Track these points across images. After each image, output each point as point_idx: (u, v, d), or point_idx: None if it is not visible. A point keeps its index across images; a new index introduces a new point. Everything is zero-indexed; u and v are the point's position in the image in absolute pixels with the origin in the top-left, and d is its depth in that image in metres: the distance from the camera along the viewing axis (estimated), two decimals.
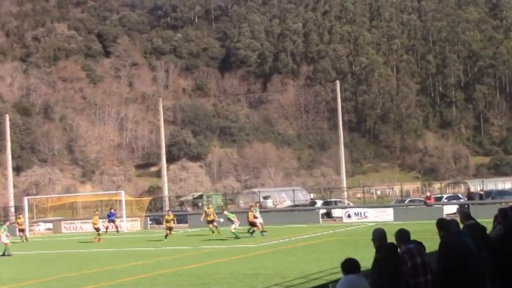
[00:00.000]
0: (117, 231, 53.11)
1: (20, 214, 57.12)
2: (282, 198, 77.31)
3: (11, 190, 74.50)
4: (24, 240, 48.85)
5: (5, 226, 46.13)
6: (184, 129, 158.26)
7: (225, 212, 41.80)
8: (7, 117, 78.41)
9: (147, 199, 69.82)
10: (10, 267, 30.11)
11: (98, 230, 44.62)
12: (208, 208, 44.16)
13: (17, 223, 51.32)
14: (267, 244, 34.05)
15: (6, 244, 39.51)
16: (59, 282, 23.01)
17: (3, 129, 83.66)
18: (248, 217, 38.96)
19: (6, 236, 42.63)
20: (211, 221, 41.75)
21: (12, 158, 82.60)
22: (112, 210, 55.16)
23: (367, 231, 14.47)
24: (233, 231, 38.20)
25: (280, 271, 22.00)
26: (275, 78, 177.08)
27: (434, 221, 10.48)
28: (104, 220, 55.98)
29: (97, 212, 50.86)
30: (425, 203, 51.31)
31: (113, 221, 53.62)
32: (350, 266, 8.71)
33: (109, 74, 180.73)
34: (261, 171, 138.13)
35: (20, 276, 25.75)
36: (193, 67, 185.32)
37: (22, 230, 50.76)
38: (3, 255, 35.05)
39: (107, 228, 53.89)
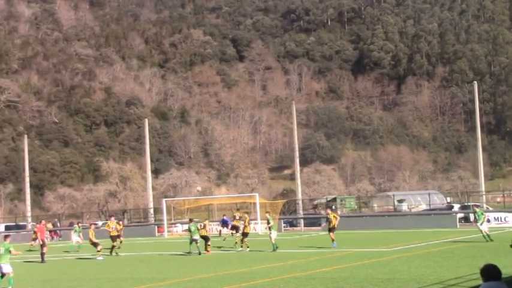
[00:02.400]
0: (232, 234, 54.25)
1: (111, 217, 47.96)
2: (417, 201, 75.94)
3: (150, 192, 76.81)
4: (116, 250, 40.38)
5: (77, 227, 47.77)
6: (317, 132, 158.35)
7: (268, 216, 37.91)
8: (146, 121, 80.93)
9: (280, 202, 70.09)
10: (150, 267, 31.07)
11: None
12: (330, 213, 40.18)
13: (108, 227, 41.29)
14: (402, 248, 33.48)
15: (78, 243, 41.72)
16: (195, 283, 23.48)
17: (142, 133, 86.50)
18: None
19: (78, 236, 45.05)
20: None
21: (151, 161, 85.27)
22: (225, 217, 56.54)
23: (508, 237, 13.95)
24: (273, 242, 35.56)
25: (416, 276, 21.53)
26: (409, 80, 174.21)
27: None
28: (218, 224, 57.86)
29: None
30: None
31: (226, 226, 55.44)
32: (490, 272, 8.38)
33: (243, 78, 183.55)
34: (395, 174, 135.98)
35: (159, 276, 26.51)
36: (326, 70, 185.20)
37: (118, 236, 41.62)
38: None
39: (220, 232, 55.53)
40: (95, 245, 38.27)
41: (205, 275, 25.90)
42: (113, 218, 42.27)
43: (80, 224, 51.67)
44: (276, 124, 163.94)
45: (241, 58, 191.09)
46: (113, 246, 39.09)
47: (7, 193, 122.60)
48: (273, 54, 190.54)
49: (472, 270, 19.52)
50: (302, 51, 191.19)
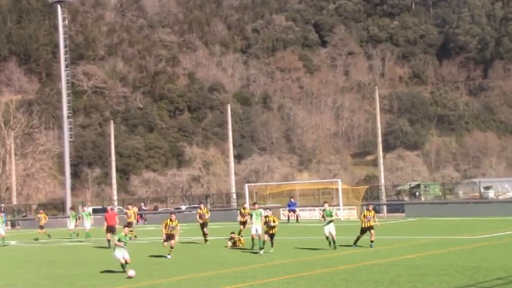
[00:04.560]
0: (297, 220, 54.00)
1: (201, 203, 42.18)
2: (504, 189, 74.37)
3: (233, 177, 77.42)
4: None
5: (86, 211, 47.24)
6: (400, 117, 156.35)
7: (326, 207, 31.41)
8: (229, 106, 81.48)
9: (363, 188, 69.70)
10: (233, 252, 31.36)
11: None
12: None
13: (201, 212, 37.20)
14: (488, 236, 32.77)
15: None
16: (277, 268, 23.62)
17: (225, 119, 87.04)
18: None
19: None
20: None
21: (234, 146, 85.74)
22: (292, 200, 56.11)
23: None
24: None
25: (504, 265, 21.05)
26: (497, 64, 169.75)
27: None
28: (284, 209, 57.42)
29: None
30: None
31: (293, 211, 55.04)
32: None
33: (325, 64, 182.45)
34: (481, 161, 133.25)
35: (243, 260, 26.77)
36: (410, 55, 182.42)
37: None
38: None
39: (288, 217, 55.16)
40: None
41: (288, 260, 25.99)
42: (202, 205, 38.28)
43: (84, 208, 50.32)
44: (359, 110, 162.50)
45: (323, 43, 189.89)
46: (205, 234, 36.64)
47: (94, 177, 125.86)
48: (355, 39, 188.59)
49: None
50: (385, 36, 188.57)
